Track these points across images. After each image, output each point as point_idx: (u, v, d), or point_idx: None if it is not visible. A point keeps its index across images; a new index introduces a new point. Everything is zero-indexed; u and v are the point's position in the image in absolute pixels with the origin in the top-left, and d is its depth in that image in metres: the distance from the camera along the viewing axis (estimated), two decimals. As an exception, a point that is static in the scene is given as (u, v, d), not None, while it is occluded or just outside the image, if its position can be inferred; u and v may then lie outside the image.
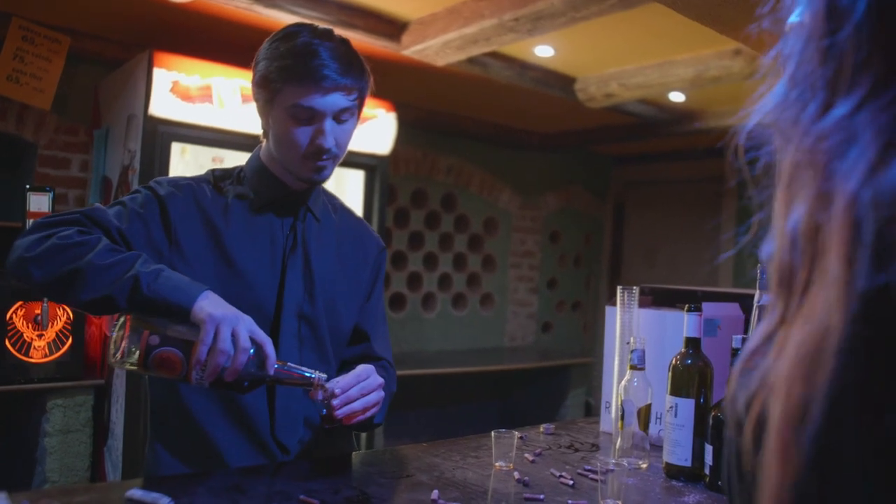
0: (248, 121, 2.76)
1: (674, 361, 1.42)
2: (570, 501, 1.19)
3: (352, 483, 1.23)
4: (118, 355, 1.13)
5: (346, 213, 1.57)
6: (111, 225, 1.24)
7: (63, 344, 2.80)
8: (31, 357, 2.72)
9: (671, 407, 1.40)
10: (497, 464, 1.36)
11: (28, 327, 2.71)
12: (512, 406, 5.05)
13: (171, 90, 2.78)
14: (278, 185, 1.39)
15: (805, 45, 0.46)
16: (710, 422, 1.33)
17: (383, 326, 1.57)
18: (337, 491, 1.17)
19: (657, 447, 1.50)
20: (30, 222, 2.74)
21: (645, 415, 1.45)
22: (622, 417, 1.45)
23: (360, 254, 1.52)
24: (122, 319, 1.15)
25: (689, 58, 3.36)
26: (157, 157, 2.78)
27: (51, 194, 2.80)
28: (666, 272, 5.51)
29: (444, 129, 4.75)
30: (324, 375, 1.21)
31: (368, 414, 1.29)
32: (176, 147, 2.91)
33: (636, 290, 1.66)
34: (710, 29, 1.83)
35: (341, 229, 1.50)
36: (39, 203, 2.78)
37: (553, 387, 4.90)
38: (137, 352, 1.11)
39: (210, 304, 1.14)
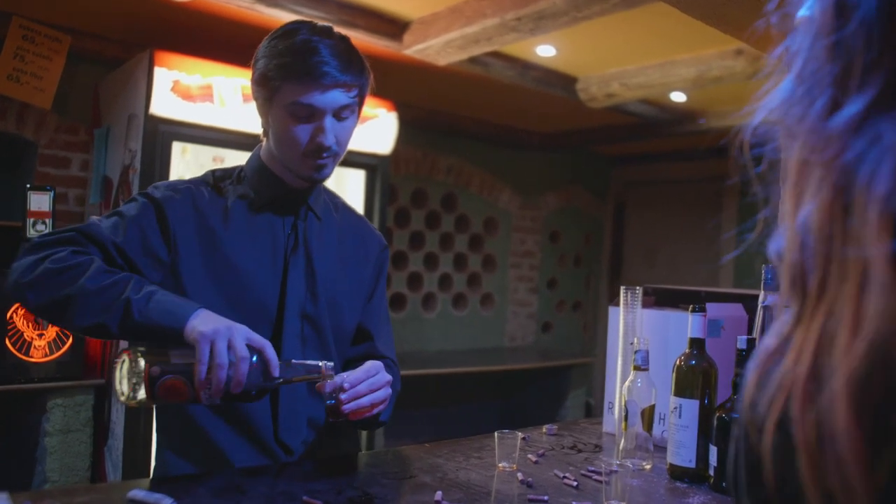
0: (249, 120, 2.75)
1: (678, 362, 1.41)
2: (574, 502, 1.18)
3: (355, 484, 1.23)
4: (125, 394, 1.11)
5: (348, 211, 1.56)
6: (106, 240, 1.24)
7: (63, 343, 2.80)
8: (32, 356, 2.72)
9: (675, 408, 1.40)
10: (500, 465, 1.35)
11: (28, 327, 2.71)
12: (512, 406, 5.04)
13: (172, 89, 2.77)
14: (279, 185, 1.38)
15: (813, 41, 0.45)
16: (715, 423, 1.33)
17: (387, 325, 1.57)
18: (340, 492, 1.17)
19: (661, 448, 1.49)
20: (30, 221, 2.75)
21: (648, 416, 1.44)
22: (626, 418, 1.44)
23: (361, 252, 1.51)
24: (120, 358, 1.12)
25: (690, 58, 3.36)
26: (157, 157, 2.78)
27: (51, 193, 2.79)
28: (666, 272, 5.51)
29: (444, 128, 4.75)
30: (330, 363, 1.20)
31: (375, 411, 1.28)
32: (177, 146, 2.91)
33: (639, 290, 1.66)
34: (714, 28, 1.83)
35: (343, 228, 1.49)
36: (40, 202, 2.78)
37: (553, 387, 4.90)
38: (142, 386, 1.10)
39: (201, 322, 1.13)
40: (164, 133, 2.78)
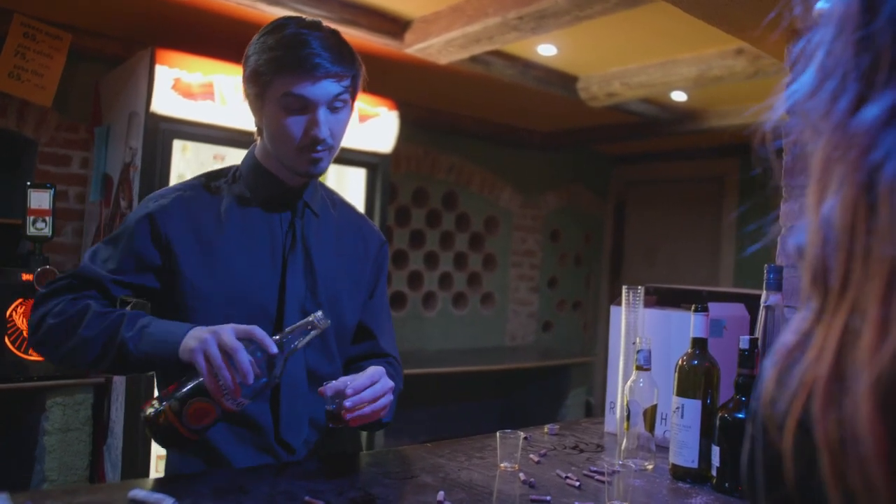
0: (250, 118, 2.74)
1: (680, 362, 1.41)
2: (576, 503, 1.18)
3: (356, 484, 1.22)
4: (165, 441, 1.14)
5: (346, 207, 1.55)
6: (102, 277, 1.28)
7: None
8: (31, 355, 2.71)
9: (677, 408, 1.40)
10: (502, 465, 1.35)
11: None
12: (512, 405, 5.04)
13: (173, 87, 2.76)
14: (274, 182, 1.38)
15: (836, 34, 0.44)
16: (717, 423, 1.32)
17: (388, 323, 1.56)
18: (341, 492, 1.16)
19: (663, 448, 1.49)
20: (30, 219, 2.74)
21: (651, 415, 1.44)
22: (628, 418, 1.44)
23: (361, 248, 1.50)
24: (144, 413, 1.15)
25: (691, 57, 3.35)
26: (158, 155, 2.77)
27: (52, 191, 2.79)
28: (666, 271, 5.51)
29: (445, 127, 4.75)
30: (319, 313, 1.18)
31: (375, 418, 1.27)
32: (177, 144, 2.90)
33: (641, 289, 1.65)
34: (715, 28, 1.82)
35: (341, 224, 1.48)
36: (40, 200, 2.77)
37: (553, 386, 4.90)
38: (175, 425, 1.11)
39: (190, 340, 1.15)
40: (165, 131, 2.78)
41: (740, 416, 1.29)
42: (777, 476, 0.44)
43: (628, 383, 1.46)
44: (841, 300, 0.41)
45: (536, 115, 4.72)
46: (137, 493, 1.06)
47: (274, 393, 1.32)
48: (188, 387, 1.13)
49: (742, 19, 1.71)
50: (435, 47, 3.04)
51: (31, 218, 2.75)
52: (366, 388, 1.23)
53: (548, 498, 1.19)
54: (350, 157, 3.33)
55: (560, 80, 3.79)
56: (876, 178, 0.40)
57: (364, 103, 3.33)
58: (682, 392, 1.39)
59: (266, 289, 1.33)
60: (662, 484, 1.36)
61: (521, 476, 1.30)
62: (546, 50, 3.34)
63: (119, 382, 2.82)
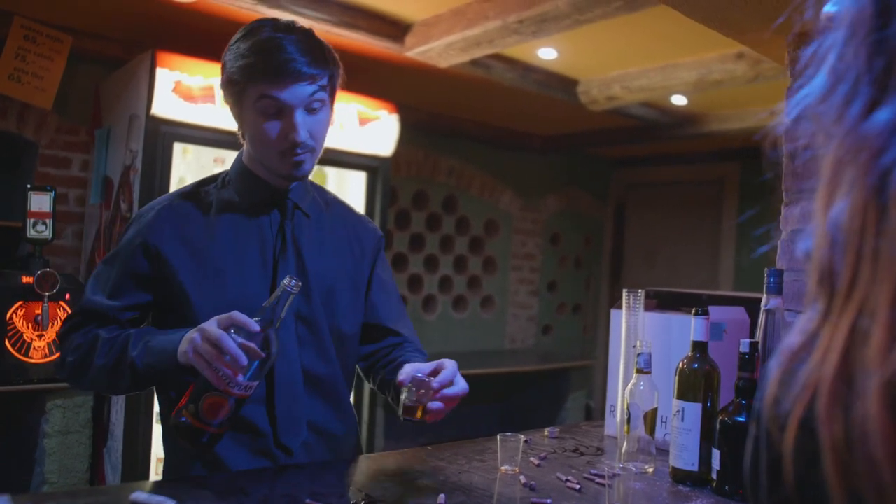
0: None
1: (680, 365, 1.41)
2: (577, 506, 1.18)
3: (357, 486, 1.22)
4: (195, 443, 1.16)
5: (340, 206, 1.54)
6: (105, 307, 1.32)
7: (63, 344, 2.79)
8: (31, 357, 2.71)
9: (678, 411, 1.40)
10: (503, 467, 1.35)
11: (28, 328, 2.70)
12: (512, 409, 5.03)
13: (174, 90, 2.77)
14: (262, 186, 1.37)
15: (848, 38, 0.44)
16: (717, 426, 1.32)
17: (406, 317, 1.56)
18: (342, 495, 1.16)
19: (663, 451, 1.49)
20: (30, 222, 2.74)
21: (651, 419, 1.44)
22: (628, 421, 1.44)
23: (356, 248, 1.49)
24: (171, 422, 1.18)
25: (691, 61, 3.36)
26: (158, 158, 2.77)
27: (52, 194, 2.79)
28: (666, 274, 5.51)
29: (445, 130, 4.75)
30: (286, 278, 1.17)
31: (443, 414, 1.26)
32: (178, 147, 2.90)
33: (641, 293, 1.65)
34: (716, 32, 1.83)
35: (335, 224, 1.48)
36: (40, 202, 2.77)
37: (553, 389, 4.90)
38: (196, 425, 1.14)
39: (183, 344, 1.18)
40: (166, 134, 2.78)
41: (740, 419, 1.29)
42: (779, 478, 0.44)
43: (629, 386, 1.46)
44: (848, 301, 0.41)
45: (537, 118, 4.72)
46: (139, 496, 1.06)
47: (269, 395, 1.32)
48: (197, 387, 1.16)
49: (742, 23, 1.71)
50: (435, 51, 3.04)
51: (32, 220, 2.75)
52: (450, 381, 1.23)
53: (548, 501, 1.19)
54: (350, 161, 3.34)
55: (560, 84, 3.80)
56: (887, 180, 0.40)
57: (364, 106, 3.33)
58: (682, 395, 1.39)
59: (258, 292, 1.33)
60: (663, 487, 1.36)
61: (522, 479, 1.30)
62: (546, 54, 3.35)
63: (119, 385, 2.82)
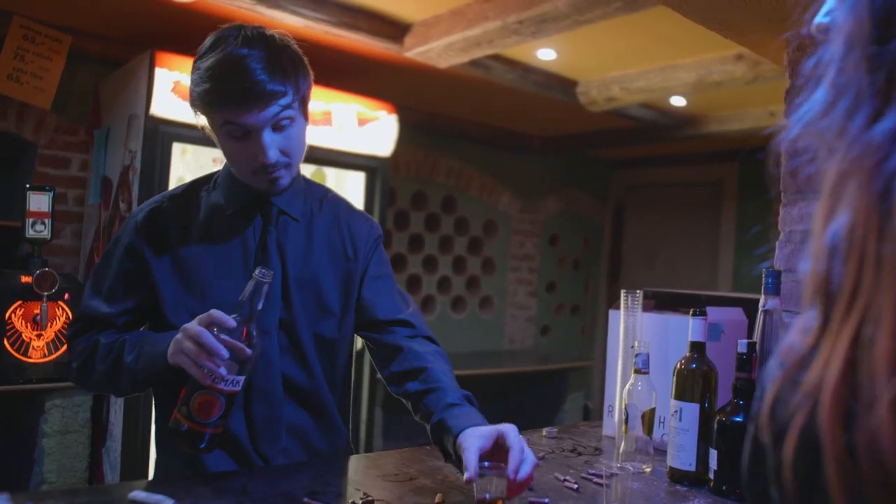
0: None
1: (678, 366, 1.41)
2: (574, 506, 1.18)
3: (356, 486, 1.22)
4: (194, 446, 1.16)
5: (336, 206, 1.49)
6: (103, 312, 1.34)
7: (62, 344, 2.79)
8: (30, 357, 2.71)
9: (675, 411, 1.40)
10: (501, 467, 1.35)
11: (27, 327, 2.70)
12: (510, 409, 5.03)
13: (173, 90, 2.77)
14: (246, 191, 1.34)
15: (847, 52, 0.44)
16: (715, 426, 1.33)
17: (405, 305, 1.50)
18: (341, 494, 1.16)
19: (661, 452, 1.49)
20: (29, 222, 2.74)
21: (649, 419, 1.44)
22: (626, 421, 1.44)
23: (350, 249, 1.43)
24: (169, 428, 1.18)
25: (691, 62, 3.36)
26: (157, 158, 2.78)
27: (51, 194, 2.79)
28: (665, 275, 5.52)
29: (445, 131, 4.75)
30: (257, 270, 1.16)
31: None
32: (177, 147, 2.90)
33: (640, 293, 1.66)
34: (715, 33, 1.83)
35: (327, 226, 1.43)
36: (39, 202, 2.77)
37: (551, 390, 4.90)
38: (191, 426, 1.14)
39: (170, 349, 1.19)
40: (165, 134, 2.78)
41: (738, 419, 1.30)
42: (777, 479, 0.44)
43: (627, 387, 1.46)
44: (850, 309, 0.41)
45: (536, 119, 4.72)
46: (138, 495, 1.06)
47: (247, 401, 1.30)
48: (188, 388, 1.16)
49: (741, 24, 1.71)
50: (435, 51, 3.05)
51: (31, 220, 2.75)
52: (529, 468, 1.09)
53: (546, 500, 1.19)
54: (349, 161, 3.34)
55: (560, 85, 3.80)
56: (891, 186, 0.40)
57: (363, 107, 3.33)
58: (680, 395, 1.40)
59: (236, 300, 1.31)
60: (660, 487, 1.36)
61: (520, 479, 1.30)
62: (546, 54, 3.35)
63: (117, 385, 2.82)
